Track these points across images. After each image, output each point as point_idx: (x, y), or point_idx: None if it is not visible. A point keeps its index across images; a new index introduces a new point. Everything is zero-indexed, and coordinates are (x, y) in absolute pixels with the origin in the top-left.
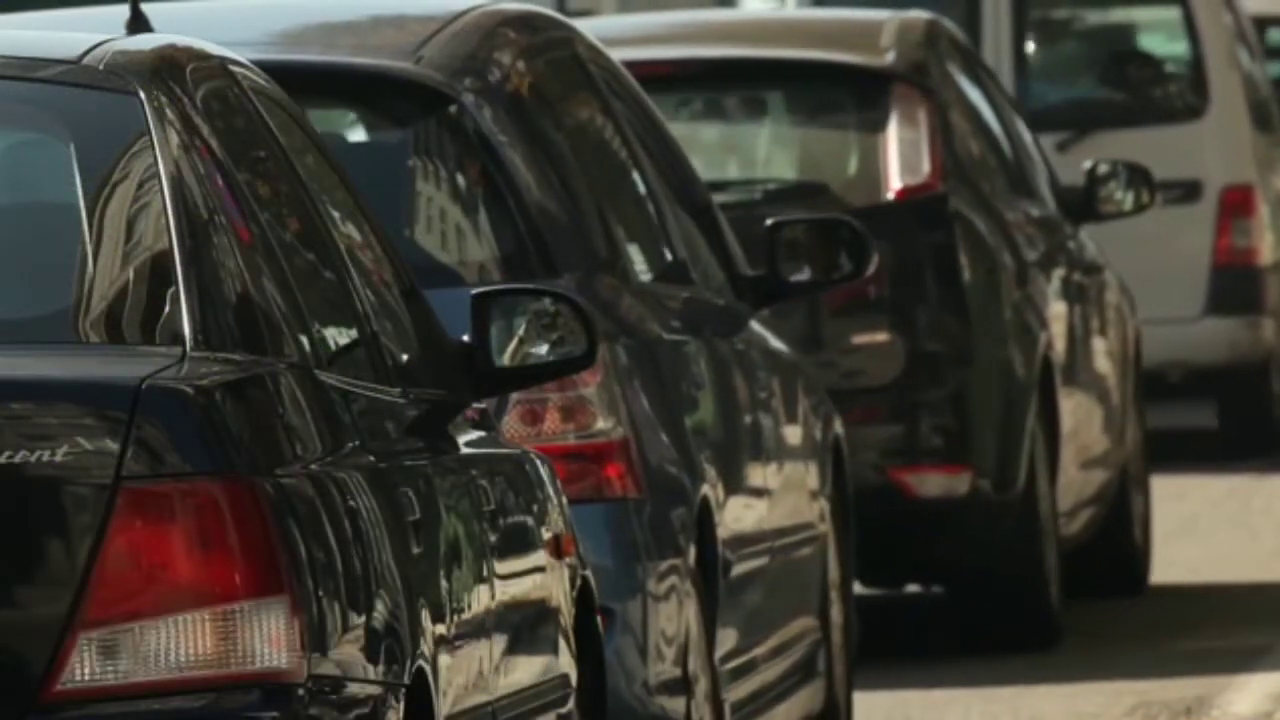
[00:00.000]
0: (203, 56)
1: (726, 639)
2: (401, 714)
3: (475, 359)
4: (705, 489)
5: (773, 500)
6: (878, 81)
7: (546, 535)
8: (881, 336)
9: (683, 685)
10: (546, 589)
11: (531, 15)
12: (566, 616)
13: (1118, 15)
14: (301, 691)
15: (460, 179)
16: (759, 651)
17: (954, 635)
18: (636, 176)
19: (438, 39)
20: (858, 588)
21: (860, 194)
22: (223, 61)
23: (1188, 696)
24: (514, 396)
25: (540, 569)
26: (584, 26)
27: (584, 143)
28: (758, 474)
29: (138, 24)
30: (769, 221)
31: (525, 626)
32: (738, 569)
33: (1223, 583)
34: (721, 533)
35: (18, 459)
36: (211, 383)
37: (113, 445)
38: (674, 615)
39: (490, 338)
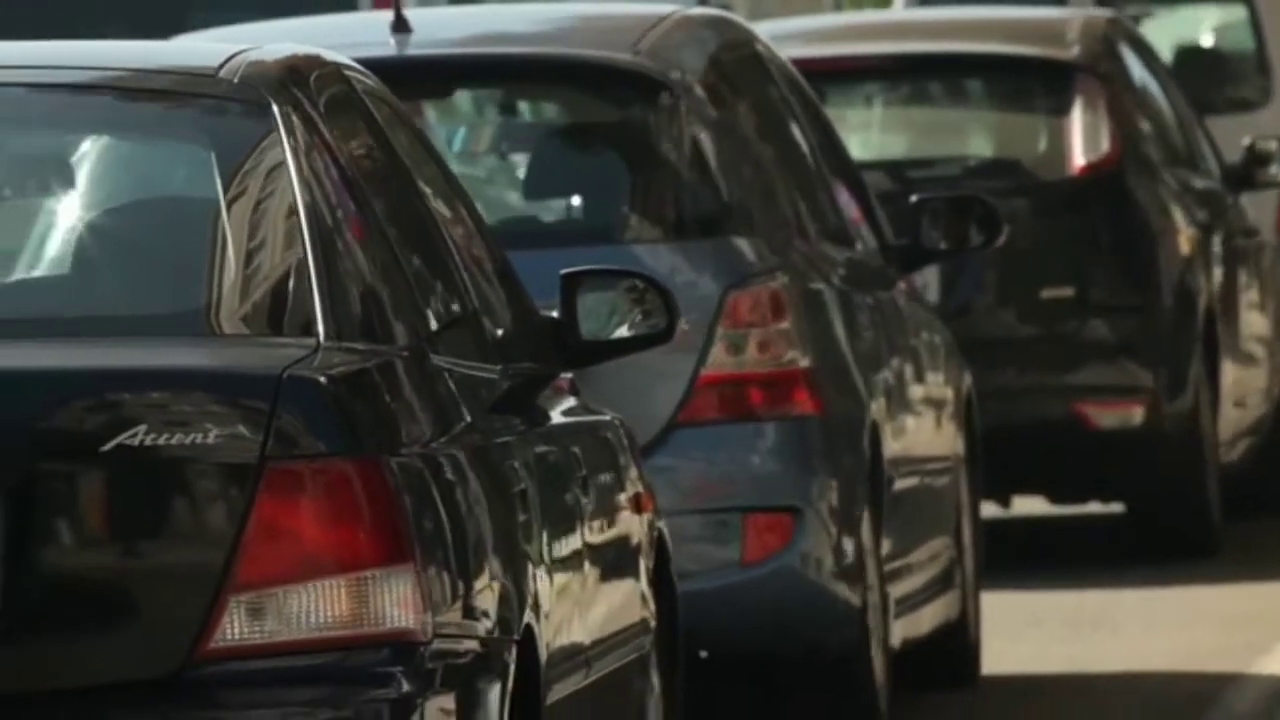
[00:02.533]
0: (322, 64)
1: (887, 544)
2: (514, 666)
3: (564, 333)
4: (874, 414)
5: (921, 432)
6: (1064, 71)
7: (629, 494)
8: (1067, 291)
9: (859, 576)
10: (630, 544)
11: (718, 19)
12: (646, 567)
13: (1186, 13)
14: (425, 649)
15: (672, 154)
16: (910, 559)
17: (1128, 548)
18: (807, 154)
19: (649, 37)
20: (1045, 506)
21: (1048, 170)
22: (338, 67)
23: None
24: (719, 331)
25: (625, 526)
26: (795, 25)
27: (766, 125)
28: (911, 408)
29: (400, 25)
30: (913, 198)
31: (613, 579)
32: (897, 485)
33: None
34: (885, 452)
35: (174, 441)
36: (342, 371)
37: (257, 428)
38: (850, 517)
39: (578, 314)
